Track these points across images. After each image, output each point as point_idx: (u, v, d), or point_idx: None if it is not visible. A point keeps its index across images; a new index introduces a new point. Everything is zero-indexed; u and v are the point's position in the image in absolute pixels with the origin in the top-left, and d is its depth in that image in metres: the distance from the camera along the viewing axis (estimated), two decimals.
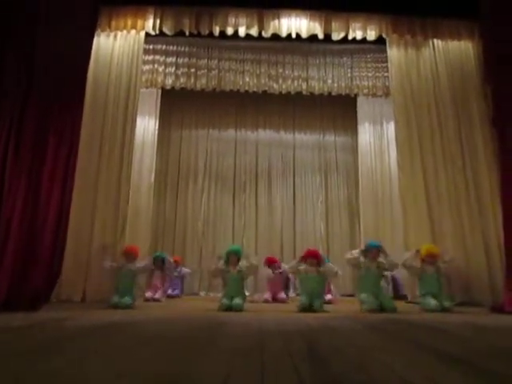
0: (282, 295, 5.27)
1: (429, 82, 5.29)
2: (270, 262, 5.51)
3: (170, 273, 5.48)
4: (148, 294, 5.01)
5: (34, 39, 4.28)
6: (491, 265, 4.51)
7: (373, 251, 4.00)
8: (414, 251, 4.17)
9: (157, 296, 5.00)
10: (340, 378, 1.23)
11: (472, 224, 4.72)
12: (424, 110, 5.18)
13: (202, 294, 6.60)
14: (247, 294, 4.80)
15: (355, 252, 4.12)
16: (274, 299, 5.18)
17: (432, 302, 3.77)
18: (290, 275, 5.56)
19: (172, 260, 5.60)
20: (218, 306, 3.81)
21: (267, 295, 5.24)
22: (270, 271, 5.44)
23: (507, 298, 3.83)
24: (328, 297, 4.88)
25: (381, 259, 3.99)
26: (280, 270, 5.43)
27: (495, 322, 3.04)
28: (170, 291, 5.56)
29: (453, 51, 5.40)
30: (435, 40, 5.43)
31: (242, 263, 4.01)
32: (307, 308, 3.67)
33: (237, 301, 3.77)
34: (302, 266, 4.00)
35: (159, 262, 5.27)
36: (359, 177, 7.07)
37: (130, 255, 4.26)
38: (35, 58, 4.27)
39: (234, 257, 4.04)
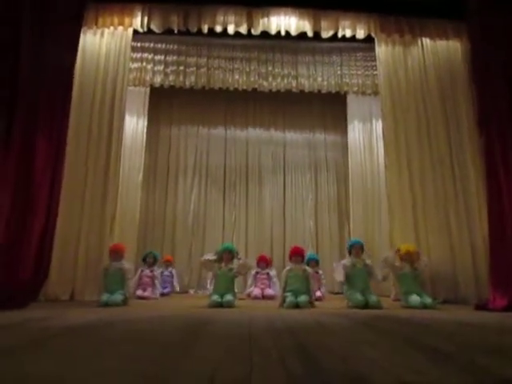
0: (270, 292, 5.30)
1: (417, 81, 5.31)
2: (259, 261, 5.59)
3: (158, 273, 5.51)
4: (139, 292, 5.02)
5: (18, 38, 4.19)
6: (477, 263, 4.57)
7: (356, 247, 4.17)
8: (394, 251, 4.31)
9: (146, 294, 5.01)
10: (327, 371, 1.25)
11: (458, 222, 4.78)
12: (412, 109, 5.20)
13: (192, 291, 6.59)
14: (236, 291, 4.82)
15: (345, 261, 4.21)
16: (263, 296, 5.21)
17: (414, 299, 3.83)
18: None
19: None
20: (207, 303, 3.81)
21: (256, 292, 5.26)
22: (254, 268, 5.51)
23: (491, 296, 3.90)
24: (317, 294, 4.93)
25: (365, 258, 4.12)
26: (266, 271, 5.47)
27: (479, 318, 3.10)
28: (160, 289, 5.55)
29: (441, 50, 5.41)
30: (423, 39, 5.44)
31: (236, 262, 4.09)
32: (293, 306, 3.70)
33: (228, 297, 3.79)
34: (289, 267, 4.07)
35: (151, 259, 5.28)
36: (349, 175, 7.11)
37: (117, 253, 4.25)
38: (20, 57, 4.18)
39: (227, 254, 4.10)
